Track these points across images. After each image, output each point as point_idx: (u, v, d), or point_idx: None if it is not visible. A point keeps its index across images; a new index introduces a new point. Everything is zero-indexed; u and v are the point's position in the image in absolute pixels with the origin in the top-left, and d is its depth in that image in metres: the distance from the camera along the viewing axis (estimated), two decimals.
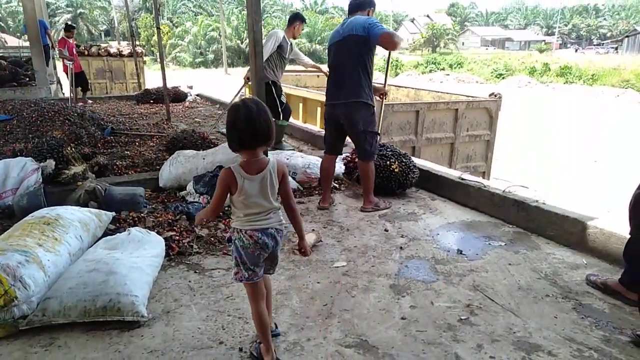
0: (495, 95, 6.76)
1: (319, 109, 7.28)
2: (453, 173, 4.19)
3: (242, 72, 7.80)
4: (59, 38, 10.05)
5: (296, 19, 5.60)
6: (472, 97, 7.00)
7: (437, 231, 3.32)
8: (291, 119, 6.91)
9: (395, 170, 3.93)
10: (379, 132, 3.97)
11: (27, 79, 10.27)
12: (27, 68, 10.72)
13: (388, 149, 4.12)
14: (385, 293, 2.46)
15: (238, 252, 1.79)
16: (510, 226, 3.38)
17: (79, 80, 9.90)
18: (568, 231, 3.01)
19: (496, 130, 6.85)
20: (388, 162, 3.95)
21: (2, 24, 45.17)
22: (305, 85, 9.39)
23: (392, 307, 2.33)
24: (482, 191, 3.67)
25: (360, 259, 2.87)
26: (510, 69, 36.73)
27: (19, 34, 40.58)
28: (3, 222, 3.19)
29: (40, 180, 3.55)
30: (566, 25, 77.44)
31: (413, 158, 4.29)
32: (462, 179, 3.91)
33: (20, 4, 10.06)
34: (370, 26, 3.40)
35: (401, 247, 3.03)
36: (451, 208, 3.80)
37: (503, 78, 34.43)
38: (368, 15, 3.57)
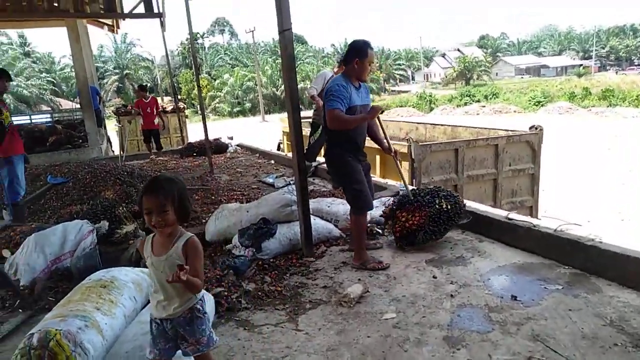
0: (536, 128, 6.62)
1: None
2: (499, 213, 4.08)
3: (278, 118, 7.97)
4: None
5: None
6: (511, 131, 6.89)
7: (487, 276, 3.21)
8: None
9: (448, 207, 3.72)
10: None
11: (80, 140, 10.95)
12: (80, 130, 11.45)
13: (424, 194, 3.91)
14: (439, 346, 2.38)
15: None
16: (566, 267, 3.22)
17: (149, 136, 10.24)
18: (631, 271, 2.83)
19: (540, 163, 6.67)
20: (437, 205, 3.73)
21: (57, 89, 48.79)
22: None
23: None
24: (532, 231, 3.54)
25: (410, 309, 2.80)
26: (548, 95, 36.08)
27: (72, 98, 43.67)
28: (62, 285, 3.34)
29: (96, 241, 3.71)
30: (603, 48, 75.72)
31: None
32: (510, 218, 3.80)
33: (73, 70, 10.85)
34: (326, 99, 3.45)
35: (452, 295, 2.94)
36: (500, 250, 3.67)
37: (542, 105, 33.76)
38: (355, 66, 3.45)
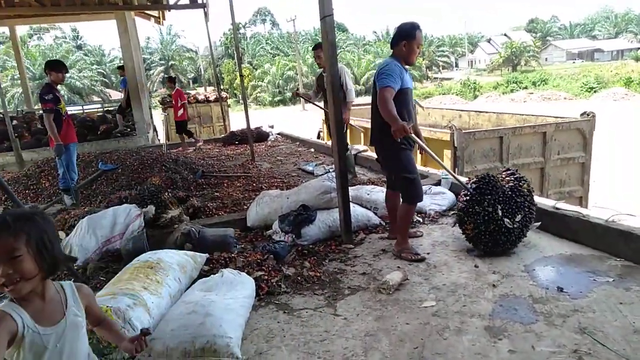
0: (588, 115, 6.31)
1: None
2: (546, 202, 3.93)
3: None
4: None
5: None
6: (561, 118, 6.60)
7: (532, 266, 3.11)
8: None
9: (467, 231, 3.36)
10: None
11: (129, 129, 11.39)
12: (128, 119, 11.90)
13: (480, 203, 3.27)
14: (480, 335, 2.33)
15: None
16: (618, 259, 3.07)
17: (179, 127, 10.43)
18: None
19: (591, 151, 6.37)
20: (464, 219, 3.35)
21: (107, 80, 50.79)
22: None
23: (489, 351, 2.20)
24: (582, 221, 3.39)
25: (450, 298, 2.76)
26: (602, 81, 34.21)
27: (120, 89, 45.42)
28: (113, 265, 3.51)
29: (143, 225, 3.87)
30: None
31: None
32: (557, 208, 3.66)
33: (122, 62, 11.25)
34: (378, 77, 3.31)
35: (494, 285, 2.87)
36: (547, 240, 3.55)
37: (595, 92, 32.08)
38: (403, 49, 3.35)
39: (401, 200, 3.51)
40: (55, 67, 5.31)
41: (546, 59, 64.73)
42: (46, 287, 1.29)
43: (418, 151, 3.69)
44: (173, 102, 10.27)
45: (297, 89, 7.12)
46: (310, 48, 54.23)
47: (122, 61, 11.34)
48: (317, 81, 5.88)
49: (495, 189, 3.26)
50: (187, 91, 18.57)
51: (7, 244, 1.17)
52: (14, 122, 10.58)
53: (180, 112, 10.16)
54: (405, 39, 3.34)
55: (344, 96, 5.49)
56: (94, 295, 1.45)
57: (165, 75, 53.92)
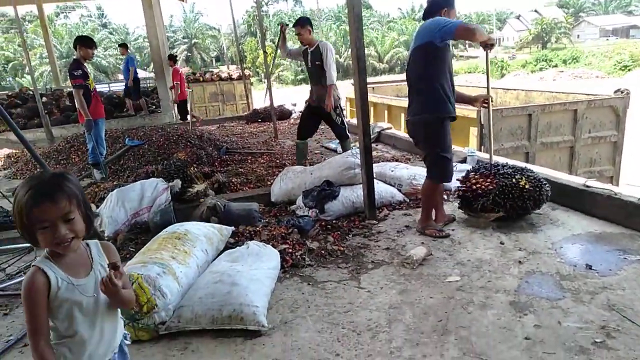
0: (622, 92, 6.09)
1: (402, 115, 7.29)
2: (576, 180, 3.84)
3: (340, 85, 7.72)
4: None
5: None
6: (593, 95, 6.38)
7: (560, 244, 3.06)
8: (393, 130, 6.92)
9: (526, 186, 3.31)
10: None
11: (155, 107, 11.54)
12: (153, 97, 12.07)
13: (507, 167, 3.54)
14: (505, 310, 2.33)
15: None
16: None
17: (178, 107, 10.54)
18: None
19: (624, 130, 6.16)
20: (514, 180, 3.33)
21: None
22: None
23: (514, 325, 2.19)
24: (613, 199, 3.30)
25: (475, 273, 2.75)
26: (637, 59, 32.76)
27: (144, 67, 45.86)
28: (142, 237, 3.61)
29: (170, 198, 3.95)
30: None
31: (531, 166, 3.83)
32: (587, 186, 3.57)
33: (146, 41, 11.33)
34: (438, 29, 2.99)
35: (520, 262, 2.84)
36: (575, 218, 3.48)
37: (629, 70, 30.80)
38: (442, 16, 3.13)
39: (427, 177, 3.43)
40: (85, 42, 5.37)
41: (578, 36, 62.27)
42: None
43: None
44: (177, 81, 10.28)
45: (286, 25, 6.71)
46: (334, 25, 53.54)
47: (146, 40, 11.41)
48: (302, 54, 5.27)
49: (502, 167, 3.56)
50: (210, 69, 18.57)
51: (64, 206, 1.22)
52: (44, 99, 10.84)
53: (177, 92, 10.14)
54: (445, 6, 3.15)
55: (321, 76, 5.05)
56: (117, 255, 1.45)
57: (188, 54, 54.42)
